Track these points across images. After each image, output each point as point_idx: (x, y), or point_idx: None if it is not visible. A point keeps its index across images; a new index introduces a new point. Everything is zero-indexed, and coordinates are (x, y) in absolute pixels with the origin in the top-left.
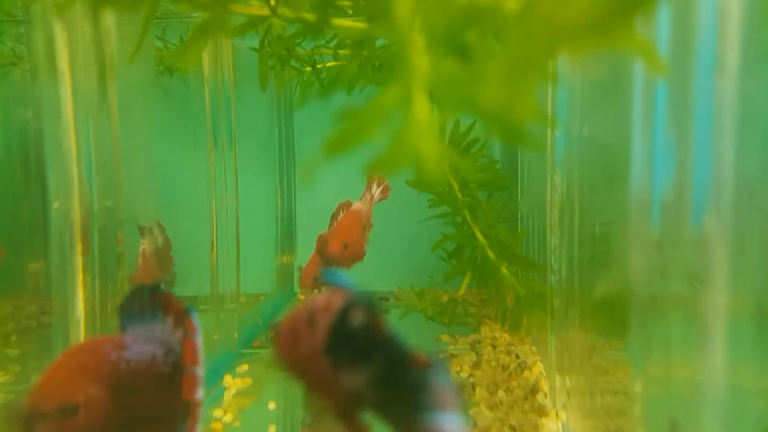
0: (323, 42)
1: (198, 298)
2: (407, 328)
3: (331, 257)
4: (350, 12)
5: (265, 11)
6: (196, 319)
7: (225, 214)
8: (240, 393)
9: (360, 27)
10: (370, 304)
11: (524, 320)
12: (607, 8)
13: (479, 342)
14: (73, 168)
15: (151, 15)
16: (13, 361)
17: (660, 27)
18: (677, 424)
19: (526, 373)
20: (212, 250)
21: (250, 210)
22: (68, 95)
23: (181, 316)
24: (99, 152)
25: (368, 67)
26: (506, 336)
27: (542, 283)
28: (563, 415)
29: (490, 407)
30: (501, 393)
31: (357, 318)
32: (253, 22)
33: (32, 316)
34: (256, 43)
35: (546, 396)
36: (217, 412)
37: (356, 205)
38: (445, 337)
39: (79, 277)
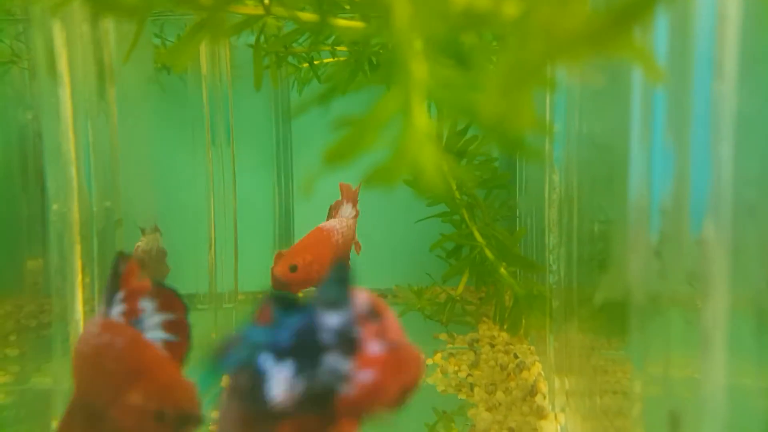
0: (320, 39)
1: (196, 297)
2: (405, 327)
3: (277, 280)
4: (347, 8)
5: (260, 10)
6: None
7: (223, 212)
8: None
9: (357, 26)
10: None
11: (523, 320)
12: (606, 17)
13: (477, 341)
14: (72, 169)
15: (146, 17)
16: (12, 362)
17: (658, 31)
18: (678, 420)
19: (525, 374)
20: (210, 248)
21: (247, 208)
22: (67, 96)
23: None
24: (98, 153)
25: (364, 65)
26: (504, 335)
27: (540, 283)
28: (562, 418)
29: (489, 409)
30: (500, 394)
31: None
32: (248, 22)
33: (31, 315)
34: (252, 40)
35: (545, 397)
36: (215, 414)
37: (327, 223)
38: (443, 336)
39: (79, 278)
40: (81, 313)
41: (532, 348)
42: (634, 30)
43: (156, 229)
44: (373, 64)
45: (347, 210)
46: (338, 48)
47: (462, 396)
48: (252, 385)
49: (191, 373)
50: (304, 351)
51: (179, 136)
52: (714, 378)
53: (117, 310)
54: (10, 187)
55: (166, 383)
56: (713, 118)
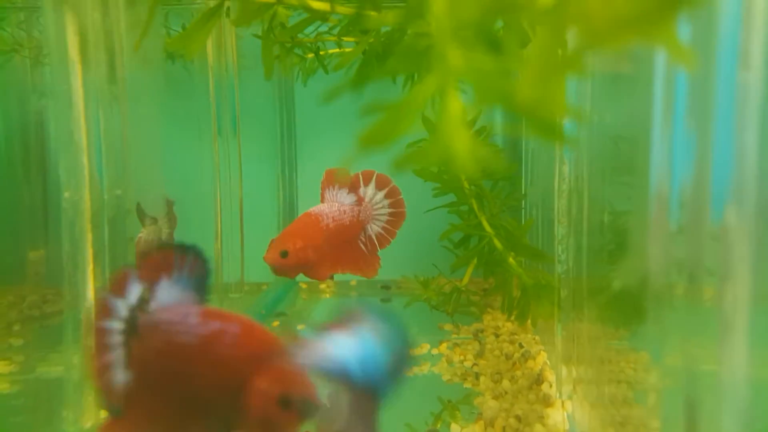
0: (327, 29)
1: None
2: (411, 317)
3: (270, 266)
4: None
5: None
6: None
7: (229, 203)
8: None
9: (387, 15)
10: None
11: (531, 310)
12: (648, 5)
13: (482, 331)
14: (84, 157)
15: (157, 3)
16: (17, 351)
17: (681, 17)
18: (694, 410)
19: (530, 363)
20: (217, 239)
21: (252, 199)
22: (79, 84)
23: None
24: (109, 141)
25: (380, 54)
26: (509, 325)
27: (549, 273)
28: (569, 406)
29: (495, 397)
30: (506, 382)
31: None
32: (259, 11)
33: (34, 305)
34: (258, 30)
35: (551, 386)
36: None
37: (315, 207)
38: (449, 326)
39: (90, 267)
40: (93, 301)
41: (537, 338)
42: (675, 18)
43: (156, 220)
44: (382, 54)
45: (342, 196)
46: (345, 38)
47: (467, 385)
48: None
49: None
50: None
51: (185, 127)
52: (734, 367)
53: (171, 294)
54: (11, 177)
55: (288, 369)
56: (738, 106)
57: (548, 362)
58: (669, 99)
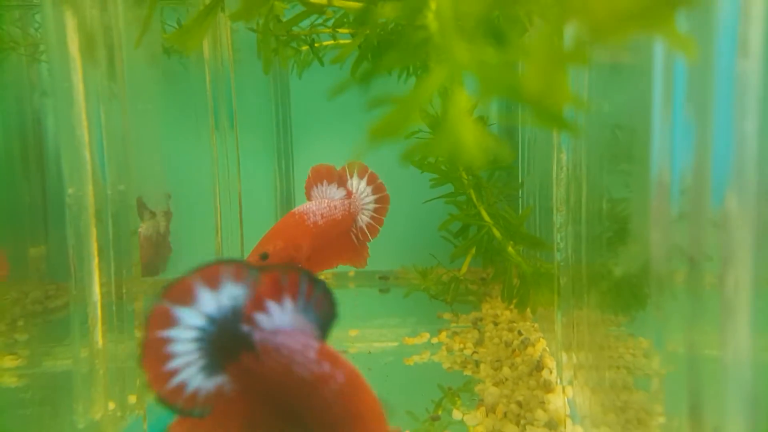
0: (321, 21)
1: None
2: (410, 307)
3: None
4: None
5: None
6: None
7: (228, 197)
8: None
9: (382, 9)
10: None
11: (530, 298)
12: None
13: (481, 320)
14: (87, 153)
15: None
16: (22, 346)
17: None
18: (698, 393)
19: (530, 350)
20: (217, 233)
21: (249, 192)
22: (80, 81)
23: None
24: (110, 137)
25: (371, 47)
26: (507, 313)
27: (548, 261)
28: (570, 391)
29: (496, 384)
30: (506, 369)
31: None
32: (258, 5)
33: (37, 301)
34: (253, 24)
35: (551, 372)
36: None
37: (300, 206)
38: (448, 315)
39: (95, 261)
40: (98, 295)
41: (536, 325)
42: (678, 10)
43: (154, 215)
44: (378, 46)
45: (332, 191)
46: (339, 30)
47: (468, 372)
48: None
49: None
50: None
51: (183, 122)
52: (737, 351)
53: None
54: (10, 175)
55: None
56: (737, 94)
57: (548, 349)
58: (668, 87)
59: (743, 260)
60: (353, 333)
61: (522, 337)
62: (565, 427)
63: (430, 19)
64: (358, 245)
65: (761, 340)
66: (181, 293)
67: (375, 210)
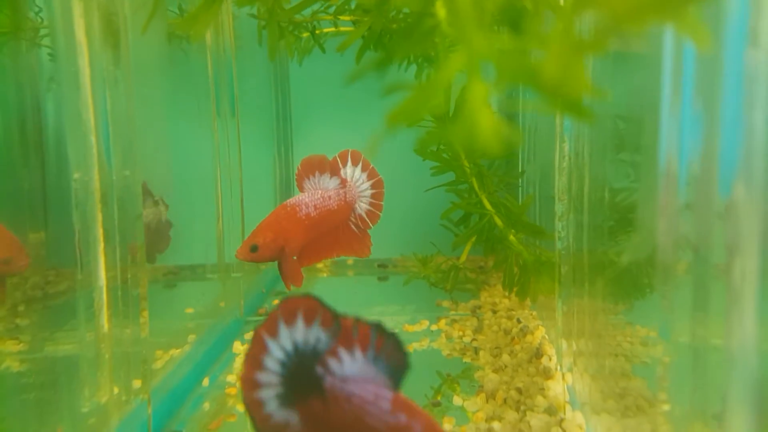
0: (323, 8)
1: (205, 267)
2: (410, 295)
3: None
4: None
5: None
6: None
7: (229, 183)
8: None
9: None
10: None
11: (531, 286)
12: None
13: (480, 308)
14: (92, 138)
15: None
16: (24, 331)
17: None
18: (704, 382)
19: (529, 338)
20: (218, 220)
21: (250, 179)
22: (86, 66)
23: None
24: (116, 122)
25: (375, 35)
26: (506, 301)
27: (549, 249)
28: (569, 378)
29: (495, 370)
30: (505, 356)
31: None
32: None
33: (37, 286)
34: (254, 10)
35: (551, 359)
36: (231, 378)
37: (292, 198)
38: (447, 303)
39: (101, 246)
40: (104, 280)
41: (534, 313)
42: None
43: (157, 202)
44: (380, 34)
45: (325, 181)
46: (341, 17)
47: (467, 360)
48: None
49: None
50: None
51: (185, 108)
52: (743, 340)
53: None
54: (10, 161)
55: None
56: (746, 84)
57: (546, 336)
58: (678, 77)
59: (750, 250)
60: None
61: (521, 325)
62: (564, 413)
63: (438, 7)
64: (358, 234)
65: (766, 329)
66: (271, 325)
67: (372, 195)
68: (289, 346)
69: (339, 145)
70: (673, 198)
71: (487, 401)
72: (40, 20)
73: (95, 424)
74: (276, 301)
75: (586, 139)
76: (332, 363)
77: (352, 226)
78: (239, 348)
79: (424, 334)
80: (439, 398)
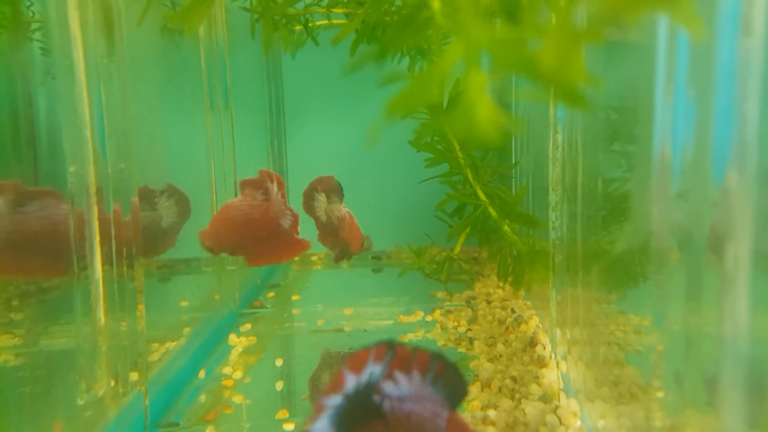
0: (315, 1)
1: (200, 260)
2: (405, 286)
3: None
4: None
5: None
6: None
7: (223, 177)
8: (246, 351)
9: None
10: None
11: (526, 276)
12: None
13: (474, 298)
14: (88, 132)
15: None
16: (18, 325)
17: None
18: (697, 369)
19: (523, 327)
20: (212, 212)
21: (243, 172)
22: (80, 59)
23: None
24: (111, 115)
25: (368, 27)
26: (500, 292)
27: (543, 239)
28: (563, 366)
29: (490, 360)
30: (500, 346)
31: None
32: None
33: (30, 280)
34: (246, 4)
35: (545, 348)
36: (227, 369)
37: (231, 200)
38: (441, 294)
39: (97, 239)
40: (100, 273)
41: (528, 303)
42: None
43: (154, 207)
44: (369, 25)
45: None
46: (334, 10)
47: (462, 349)
48: None
49: None
50: None
51: (178, 101)
52: (735, 325)
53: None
54: (2, 154)
55: None
56: (739, 73)
57: (540, 326)
58: (671, 66)
59: (743, 237)
60: (348, 312)
61: (515, 315)
62: (559, 400)
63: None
64: (290, 240)
65: (761, 316)
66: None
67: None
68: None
69: (332, 136)
70: (666, 186)
71: (482, 390)
72: (31, 14)
73: (92, 417)
74: (271, 294)
75: (579, 130)
76: (389, 387)
77: (288, 233)
78: (234, 340)
79: (419, 325)
80: None
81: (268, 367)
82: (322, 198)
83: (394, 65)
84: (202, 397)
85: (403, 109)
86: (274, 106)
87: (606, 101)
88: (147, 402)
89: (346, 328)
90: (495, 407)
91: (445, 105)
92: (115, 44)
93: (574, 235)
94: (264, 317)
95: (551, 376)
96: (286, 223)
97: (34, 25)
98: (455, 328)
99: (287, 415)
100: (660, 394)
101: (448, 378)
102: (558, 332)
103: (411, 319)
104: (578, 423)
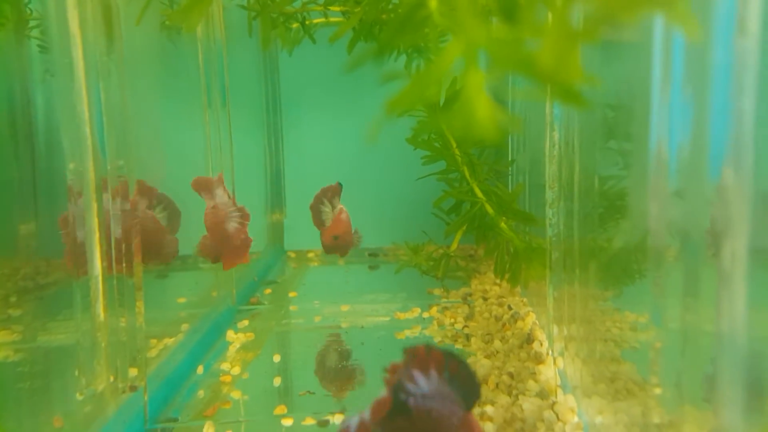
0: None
1: (197, 257)
2: (401, 283)
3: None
4: None
5: None
6: None
7: (220, 173)
8: (243, 347)
9: None
10: None
11: (522, 273)
12: None
13: (471, 295)
14: (87, 129)
15: None
16: (16, 321)
17: None
18: (695, 365)
19: (520, 324)
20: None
21: (240, 169)
22: (80, 57)
23: None
24: (110, 113)
25: (365, 25)
26: (496, 289)
27: (539, 236)
28: (561, 362)
29: (487, 356)
30: (497, 342)
31: None
32: None
33: (28, 277)
34: (243, 1)
35: (542, 344)
36: (225, 366)
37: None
38: (438, 291)
39: (96, 236)
40: (99, 269)
41: (525, 300)
42: None
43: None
44: (370, 25)
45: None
46: (331, 8)
47: (459, 346)
48: None
49: None
50: None
51: (175, 98)
52: (732, 322)
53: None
54: (2, 152)
55: None
56: (735, 72)
57: (537, 322)
58: (667, 65)
59: (739, 234)
60: (345, 308)
61: (512, 312)
62: (556, 396)
63: None
64: (234, 245)
65: (758, 313)
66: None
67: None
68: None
69: (328, 133)
70: (663, 184)
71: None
72: (29, 11)
73: (92, 412)
74: (268, 290)
75: (576, 128)
76: (410, 386)
77: (235, 239)
78: (232, 336)
79: (416, 322)
80: None
81: (265, 363)
82: (328, 208)
83: (391, 63)
84: (201, 393)
85: (402, 108)
86: (271, 103)
87: (603, 99)
88: (146, 397)
89: (343, 325)
90: (492, 403)
91: (442, 103)
92: (114, 42)
93: (571, 232)
94: (261, 314)
95: (548, 373)
96: (234, 224)
97: (32, 23)
98: (452, 324)
99: (285, 410)
100: (657, 391)
101: (464, 379)
102: (555, 329)
103: (408, 315)
104: (575, 419)
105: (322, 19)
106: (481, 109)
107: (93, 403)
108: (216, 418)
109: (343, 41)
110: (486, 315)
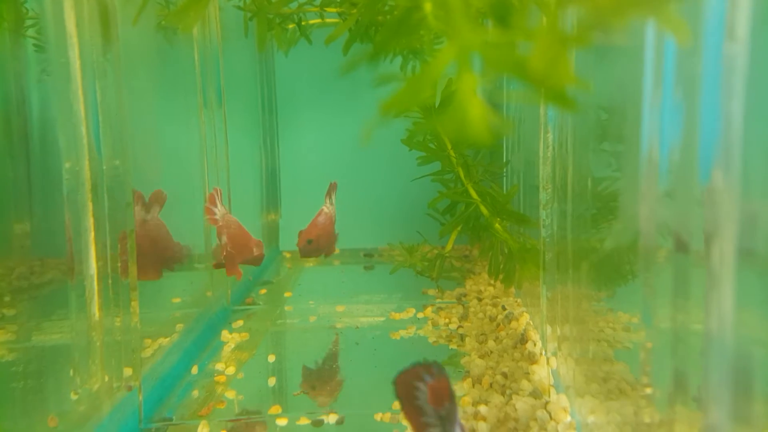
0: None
1: (192, 257)
2: (396, 283)
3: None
4: None
5: None
6: None
7: (216, 173)
8: (238, 347)
9: None
10: None
11: (516, 273)
12: None
13: (465, 295)
14: (83, 128)
15: None
16: (10, 321)
17: None
18: (683, 366)
19: (513, 324)
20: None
21: (235, 169)
22: (76, 56)
23: None
24: (106, 113)
25: (362, 26)
26: (491, 289)
27: (533, 237)
28: (554, 362)
29: (481, 356)
30: (491, 342)
31: None
32: None
33: (22, 276)
34: (240, 2)
35: (535, 345)
36: (219, 365)
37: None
38: (432, 291)
39: (91, 235)
40: (95, 269)
41: (519, 300)
42: None
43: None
44: (362, 24)
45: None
46: (327, 9)
47: (453, 346)
48: None
49: None
50: None
51: (171, 99)
52: (721, 322)
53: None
54: None
55: None
56: (724, 76)
57: (531, 323)
58: (659, 69)
59: (728, 235)
60: (340, 309)
61: (506, 312)
62: (549, 396)
63: (425, 0)
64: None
65: (746, 314)
66: None
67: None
68: None
69: (324, 134)
70: (654, 185)
71: (473, 386)
72: (26, 11)
73: (86, 411)
74: (263, 291)
75: (569, 130)
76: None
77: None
78: (227, 336)
79: (410, 322)
80: None
81: (260, 363)
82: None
83: (386, 64)
84: (195, 393)
85: (397, 110)
86: (266, 103)
87: (596, 101)
88: (141, 397)
89: (338, 325)
90: (486, 403)
91: (437, 105)
92: (110, 42)
93: (565, 233)
94: (256, 314)
95: (541, 373)
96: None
97: (29, 22)
98: (446, 325)
99: (280, 410)
100: (649, 390)
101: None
102: (548, 329)
103: (402, 316)
104: (568, 418)
105: (318, 20)
106: (474, 111)
107: (88, 403)
108: (210, 417)
109: (339, 42)
110: (480, 315)
